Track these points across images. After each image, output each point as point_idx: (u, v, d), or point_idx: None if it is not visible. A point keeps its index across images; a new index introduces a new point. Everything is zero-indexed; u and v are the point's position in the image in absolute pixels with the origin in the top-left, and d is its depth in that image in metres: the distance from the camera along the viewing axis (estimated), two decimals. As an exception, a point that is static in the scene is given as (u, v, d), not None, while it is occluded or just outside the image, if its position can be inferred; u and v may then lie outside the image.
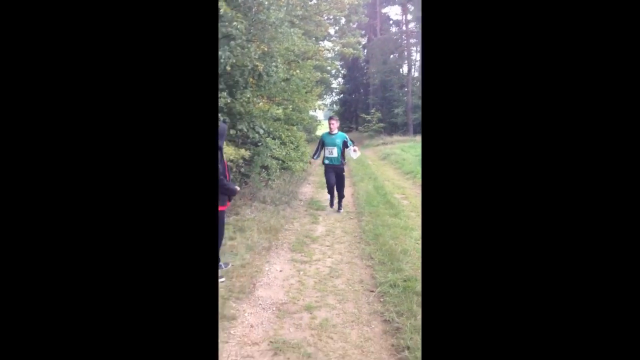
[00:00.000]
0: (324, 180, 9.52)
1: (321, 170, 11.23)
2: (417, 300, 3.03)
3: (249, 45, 5.02)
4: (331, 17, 12.01)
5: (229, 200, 3.83)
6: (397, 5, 28.19)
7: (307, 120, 8.39)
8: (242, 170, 7.01)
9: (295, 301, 3.22)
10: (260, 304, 3.16)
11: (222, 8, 4.58)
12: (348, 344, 2.59)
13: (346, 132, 31.82)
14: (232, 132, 5.74)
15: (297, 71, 6.47)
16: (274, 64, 5.68)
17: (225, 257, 4.06)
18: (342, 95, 31.82)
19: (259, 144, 6.29)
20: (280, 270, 3.89)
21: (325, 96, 26.32)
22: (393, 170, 11.16)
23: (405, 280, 3.40)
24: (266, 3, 4.87)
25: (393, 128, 24.77)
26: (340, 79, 31.51)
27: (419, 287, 3.23)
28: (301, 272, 3.83)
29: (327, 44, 8.73)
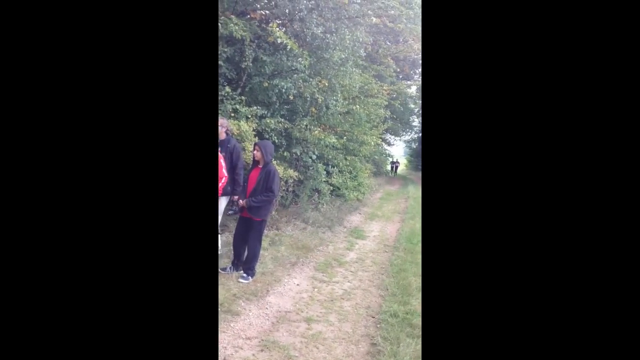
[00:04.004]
0: (376, 212, 9.75)
1: (377, 202, 11.45)
2: (408, 331, 3.14)
3: (311, 79, 5.52)
4: (410, 59, 12.43)
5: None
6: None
7: (364, 152, 8.69)
8: (294, 190, 7.47)
9: (299, 312, 3.47)
10: (266, 308, 3.46)
11: (290, 44, 5.14)
12: (330, 355, 2.79)
13: (420, 170, 30.96)
14: (286, 154, 6.23)
15: (357, 106, 6.85)
16: (334, 97, 6.13)
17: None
18: (422, 133, 31.69)
19: (310, 168, 6.71)
20: (298, 284, 4.17)
21: (403, 132, 26.43)
22: (451, 214, 10.94)
23: (407, 313, 3.50)
24: (331, 43, 5.36)
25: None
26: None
27: (415, 320, 3.33)
28: (316, 290, 4.08)
29: (401, 84, 9.00)
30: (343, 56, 5.40)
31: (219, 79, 5.60)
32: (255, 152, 3.99)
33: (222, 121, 4.24)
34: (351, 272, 4.82)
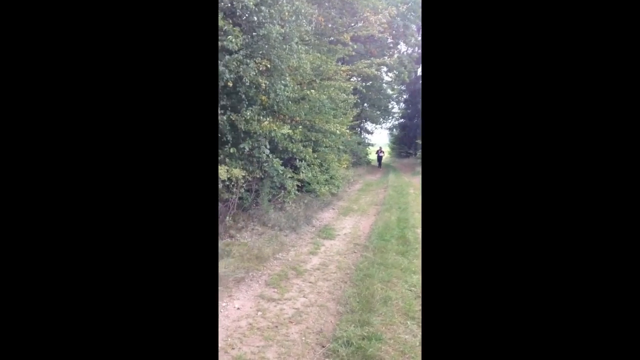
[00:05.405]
0: (352, 206, 8.98)
1: (354, 195, 10.66)
2: (360, 369, 2.43)
3: (248, 61, 4.72)
4: (375, 39, 11.59)
5: None
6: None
7: (328, 143, 7.90)
8: (258, 190, 6.69)
9: (230, 349, 2.74)
10: (185, 349, 2.71)
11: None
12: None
13: (403, 157, 30.19)
14: (232, 150, 5.44)
15: (313, 91, 6.05)
16: (282, 81, 5.34)
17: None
18: (402, 120, 30.96)
19: (265, 164, 5.94)
20: (238, 308, 3.43)
21: (382, 119, 25.61)
22: (433, 200, 10.28)
23: (363, 339, 2.79)
24: (266, 16, 4.55)
25: (450, 156, 23.37)
26: (402, 104, 30.75)
27: (371, 350, 2.62)
28: (260, 313, 3.34)
29: (360, 63, 8.13)
30: (282, 31, 4.60)
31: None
32: None
33: None
34: (310, 283, 4.10)
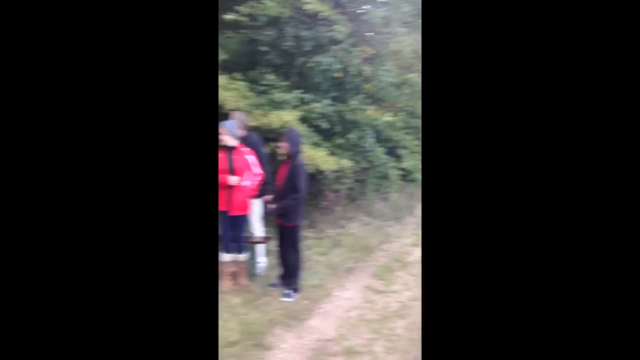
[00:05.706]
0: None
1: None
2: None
3: (353, 49, 4.88)
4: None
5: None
6: None
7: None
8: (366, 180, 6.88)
9: (341, 339, 3.02)
10: (304, 337, 3.05)
11: (326, 11, 4.54)
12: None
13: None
14: (340, 141, 5.68)
15: (414, 74, 5.98)
16: (383, 67, 5.40)
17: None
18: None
19: (369, 153, 6.07)
20: (349, 298, 3.71)
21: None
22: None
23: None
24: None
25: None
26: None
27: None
28: (368, 305, 3.58)
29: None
30: (382, 14, 4.61)
31: (261, 66, 5.13)
32: (282, 143, 3.51)
33: (239, 115, 3.78)
34: (413, 275, 4.23)
